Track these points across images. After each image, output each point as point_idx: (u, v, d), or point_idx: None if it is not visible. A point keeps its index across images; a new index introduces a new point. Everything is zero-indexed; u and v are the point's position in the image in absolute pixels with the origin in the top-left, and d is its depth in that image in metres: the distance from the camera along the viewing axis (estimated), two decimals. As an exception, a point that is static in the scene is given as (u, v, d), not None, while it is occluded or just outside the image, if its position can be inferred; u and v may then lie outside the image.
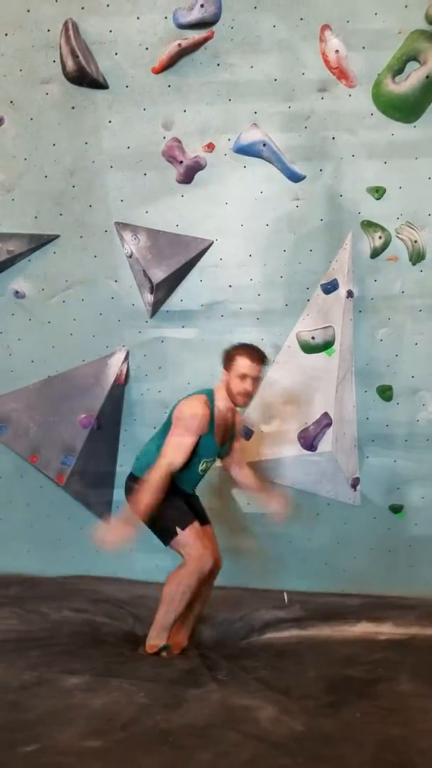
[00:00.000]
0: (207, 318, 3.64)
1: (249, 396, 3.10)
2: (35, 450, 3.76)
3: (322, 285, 3.56)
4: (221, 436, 3.14)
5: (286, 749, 1.99)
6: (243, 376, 3.05)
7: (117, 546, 2.84)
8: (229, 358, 3.11)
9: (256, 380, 3.10)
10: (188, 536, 3.02)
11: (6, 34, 3.40)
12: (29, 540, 3.91)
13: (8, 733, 2.12)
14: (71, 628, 3.22)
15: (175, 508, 3.06)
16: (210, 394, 3.10)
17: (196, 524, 3.06)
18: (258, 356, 3.09)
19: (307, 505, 3.76)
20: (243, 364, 3.06)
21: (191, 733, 2.11)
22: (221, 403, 3.10)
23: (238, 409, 3.19)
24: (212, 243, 3.57)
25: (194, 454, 3.02)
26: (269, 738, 2.08)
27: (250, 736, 2.09)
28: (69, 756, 1.99)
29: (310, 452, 3.62)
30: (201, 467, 3.12)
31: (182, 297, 3.64)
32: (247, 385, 3.05)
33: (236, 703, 2.35)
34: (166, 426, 3.05)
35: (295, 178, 3.47)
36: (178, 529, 3.02)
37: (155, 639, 3.05)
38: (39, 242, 3.61)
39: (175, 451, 2.96)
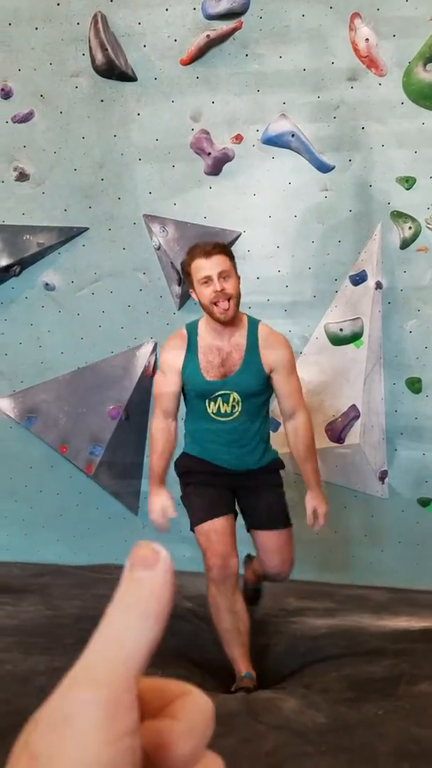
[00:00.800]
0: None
1: (225, 298, 2.46)
2: (65, 440, 3.81)
3: (350, 276, 3.54)
4: (217, 369, 2.58)
5: (307, 738, 2.01)
6: (205, 281, 2.48)
7: (159, 515, 2.54)
8: (184, 272, 2.59)
9: (225, 277, 2.48)
10: (197, 537, 2.59)
11: (36, 28, 3.43)
12: (58, 529, 3.97)
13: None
14: (99, 615, 3.25)
15: (194, 498, 2.65)
16: (193, 324, 2.66)
17: (207, 523, 2.56)
18: (210, 248, 2.49)
19: (334, 498, 3.75)
20: (197, 267, 2.49)
21: (218, 712, 2.13)
22: (205, 329, 2.60)
23: (269, 341, 2.58)
24: (240, 234, 3.56)
25: (189, 394, 2.62)
26: (292, 727, 2.09)
27: (273, 726, 2.10)
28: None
29: (337, 444, 3.61)
30: (211, 409, 2.58)
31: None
32: (215, 287, 2.46)
33: (259, 694, 2.37)
34: None
35: (324, 168, 3.45)
36: (193, 527, 2.61)
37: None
38: (68, 235, 3.65)
39: (156, 391, 2.69)
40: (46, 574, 3.77)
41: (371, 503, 3.72)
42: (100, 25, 3.36)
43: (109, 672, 0.30)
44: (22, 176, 3.59)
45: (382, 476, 3.67)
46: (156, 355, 3.72)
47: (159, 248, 3.60)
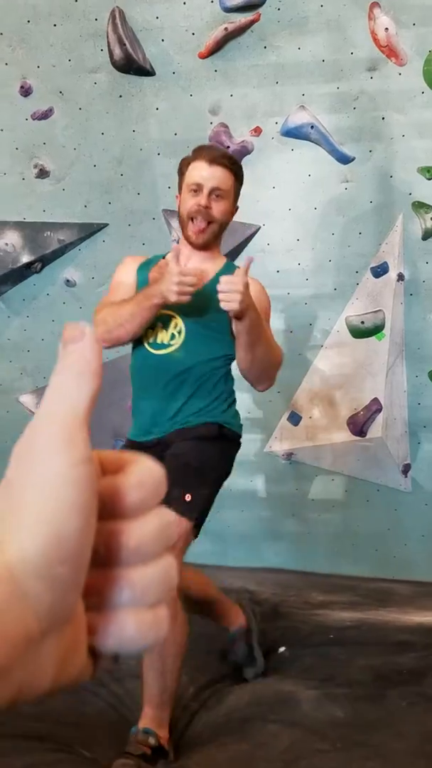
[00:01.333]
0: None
1: (205, 218, 2.09)
2: (87, 435, 3.83)
3: (371, 268, 3.51)
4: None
5: (323, 735, 2.00)
6: (194, 188, 2.08)
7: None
8: (180, 172, 2.18)
9: (218, 196, 2.09)
10: None
11: (54, 25, 3.44)
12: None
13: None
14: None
15: None
16: (161, 255, 2.34)
17: None
18: (217, 155, 2.11)
19: (356, 492, 3.73)
20: (193, 169, 2.10)
21: (232, 718, 2.14)
22: (172, 255, 2.14)
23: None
24: (259, 228, 3.55)
25: None
26: (308, 722, 2.09)
27: (290, 721, 2.10)
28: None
29: (360, 438, 3.59)
30: (147, 338, 2.18)
31: (230, 283, 3.64)
32: (200, 200, 2.06)
33: (278, 687, 2.37)
34: None
35: (344, 159, 3.42)
36: None
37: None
38: (89, 231, 3.66)
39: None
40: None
41: (394, 497, 3.70)
42: (117, 20, 3.36)
43: (61, 415, 0.37)
44: (43, 173, 3.61)
45: (405, 470, 3.65)
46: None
47: (178, 243, 3.59)
